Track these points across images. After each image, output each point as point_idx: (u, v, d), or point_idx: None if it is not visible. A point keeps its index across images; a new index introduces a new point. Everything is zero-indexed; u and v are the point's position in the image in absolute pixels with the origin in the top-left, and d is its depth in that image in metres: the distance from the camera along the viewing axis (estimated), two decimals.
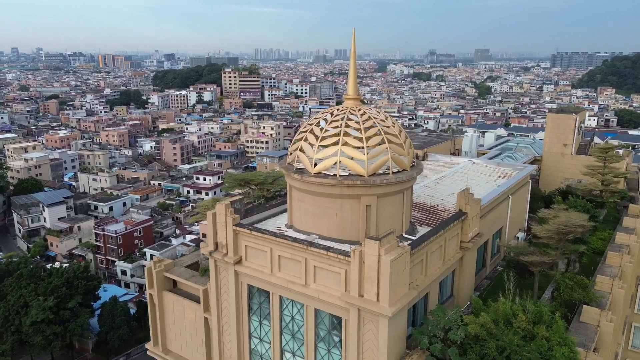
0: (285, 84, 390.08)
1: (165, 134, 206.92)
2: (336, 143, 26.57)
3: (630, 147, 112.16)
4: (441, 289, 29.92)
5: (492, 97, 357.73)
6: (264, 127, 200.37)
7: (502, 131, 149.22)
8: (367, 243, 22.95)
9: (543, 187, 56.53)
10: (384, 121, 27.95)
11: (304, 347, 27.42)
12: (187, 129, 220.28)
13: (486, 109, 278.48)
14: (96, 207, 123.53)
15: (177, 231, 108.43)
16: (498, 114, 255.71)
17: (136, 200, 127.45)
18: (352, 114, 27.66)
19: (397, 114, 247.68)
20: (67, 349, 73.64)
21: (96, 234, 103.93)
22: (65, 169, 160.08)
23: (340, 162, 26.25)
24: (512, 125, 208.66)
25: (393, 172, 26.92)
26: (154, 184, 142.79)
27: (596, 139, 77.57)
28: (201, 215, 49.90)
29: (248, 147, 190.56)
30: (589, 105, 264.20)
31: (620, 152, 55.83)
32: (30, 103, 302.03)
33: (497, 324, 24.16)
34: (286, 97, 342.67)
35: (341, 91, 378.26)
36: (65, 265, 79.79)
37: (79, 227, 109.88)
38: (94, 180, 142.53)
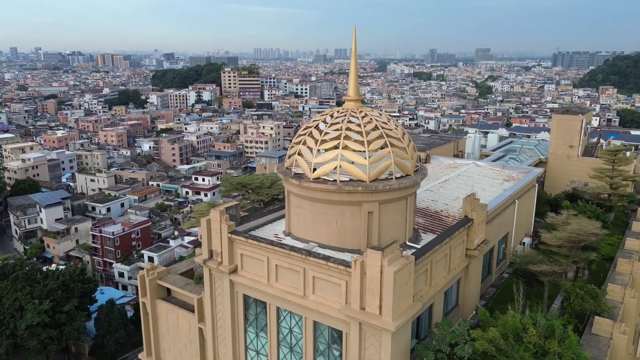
0: (285, 83, 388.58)
1: (164, 134, 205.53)
2: (336, 147, 25.29)
3: (634, 148, 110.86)
4: (446, 299, 28.69)
5: (493, 96, 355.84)
6: (263, 127, 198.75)
7: (503, 131, 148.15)
8: (369, 253, 21.68)
9: (548, 190, 55.34)
10: (387, 123, 26.65)
11: None
12: (186, 129, 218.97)
13: (487, 109, 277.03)
14: (94, 208, 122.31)
15: (176, 232, 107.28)
16: (499, 114, 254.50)
17: (134, 201, 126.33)
18: (353, 116, 26.39)
19: (398, 114, 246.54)
20: (63, 352, 72.48)
21: (93, 236, 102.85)
22: (63, 169, 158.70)
23: (340, 166, 24.95)
24: (514, 125, 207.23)
25: (396, 177, 25.67)
26: (152, 185, 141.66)
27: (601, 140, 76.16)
28: (196, 220, 48.51)
29: (247, 147, 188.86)
30: (590, 104, 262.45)
31: (627, 154, 54.63)
32: (29, 103, 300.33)
33: (507, 338, 22.90)
34: (286, 96, 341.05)
35: (341, 91, 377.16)
36: (61, 267, 78.59)
37: (76, 229, 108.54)
38: (92, 180, 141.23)
